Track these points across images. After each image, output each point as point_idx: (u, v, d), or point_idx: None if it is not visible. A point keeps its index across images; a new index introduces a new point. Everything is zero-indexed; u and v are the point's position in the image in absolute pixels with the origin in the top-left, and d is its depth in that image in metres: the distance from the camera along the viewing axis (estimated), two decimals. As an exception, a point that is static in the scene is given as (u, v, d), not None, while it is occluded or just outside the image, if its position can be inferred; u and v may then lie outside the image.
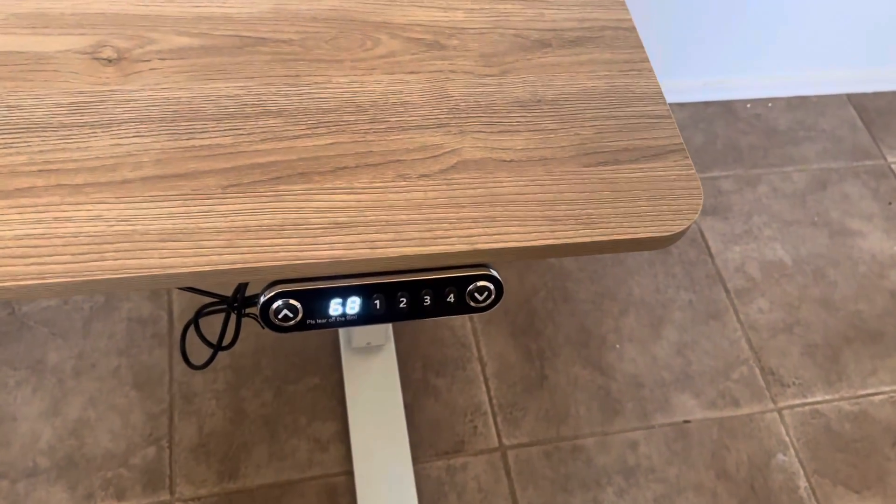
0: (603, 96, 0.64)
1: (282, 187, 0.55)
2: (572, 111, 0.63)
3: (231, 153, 0.56)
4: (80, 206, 0.52)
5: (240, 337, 0.75)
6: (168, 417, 1.14)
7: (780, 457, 1.21)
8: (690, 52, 1.55)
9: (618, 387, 1.25)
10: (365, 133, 0.59)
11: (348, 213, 0.55)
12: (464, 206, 0.56)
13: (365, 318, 0.55)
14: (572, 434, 1.20)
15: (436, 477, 1.14)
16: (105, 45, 0.61)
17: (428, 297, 0.55)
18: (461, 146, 0.59)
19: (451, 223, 0.55)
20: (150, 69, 0.59)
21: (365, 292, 0.54)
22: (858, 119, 1.67)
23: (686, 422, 1.23)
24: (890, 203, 1.53)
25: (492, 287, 0.56)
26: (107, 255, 0.51)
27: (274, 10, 0.66)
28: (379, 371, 1.19)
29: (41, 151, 0.55)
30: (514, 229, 0.55)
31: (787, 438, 1.23)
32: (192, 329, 0.68)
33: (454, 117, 0.61)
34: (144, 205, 0.53)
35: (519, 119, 0.61)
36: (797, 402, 1.27)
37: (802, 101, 1.70)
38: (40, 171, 0.54)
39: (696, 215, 0.58)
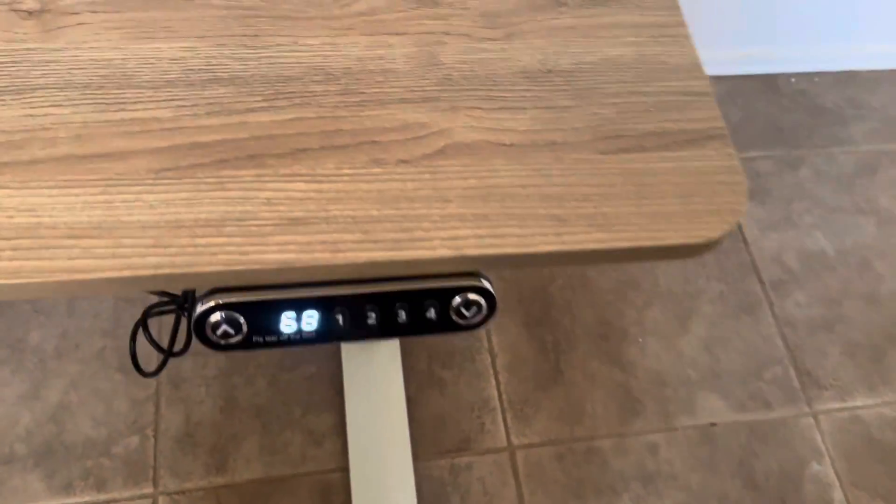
0: (628, 67, 0.52)
1: (227, 172, 0.44)
2: (590, 85, 0.51)
3: (168, 129, 0.46)
4: (-27, 192, 0.42)
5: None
6: (154, 404, 1.05)
7: (815, 466, 1.09)
8: (729, 19, 1.40)
9: (639, 384, 1.14)
10: (334, 107, 0.48)
11: (307, 207, 0.44)
12: (450, 201, 0.45)
13: (324, 335, 0.44)
14: (587, 435, 1.09)
15: (438, 477, 1.04)
16: (31, -5, 0.50)
17: (403, 312, 0.44)
18: (452, 126, 0.48)
19: (433, 222, 0.44)
20: (78, 24, 0.48)
21: (325, 305, 0.43)
22: (913, 97, 1.51)
23: (712, 425, 1.12)
24: (945, 190, 1.39)
25: (482, 301, 0.45)
26: (1, 253, 0.40)
27: (239, -43, 0.54)
28: (380, 361, 1.09)
29: (-62, 123, 0.44)
30: (511, 231, 0.44)
31: (822, 446, 1.11)
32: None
33: (445, 90, 0.49)
34: (55, 192, 0.43)
35: (524, 93, 0.50)
36: (835, 406, 1.15)
37: (852, 76, 1.54)
38: (-67, 146, 0.43)
39: (739, 218, 0.46)
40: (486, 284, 0.45)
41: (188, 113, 0.46)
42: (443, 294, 0.44)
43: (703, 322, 1.20)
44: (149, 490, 0.99)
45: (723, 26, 1.42)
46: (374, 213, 0.44)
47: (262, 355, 1.10)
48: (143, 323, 0.57)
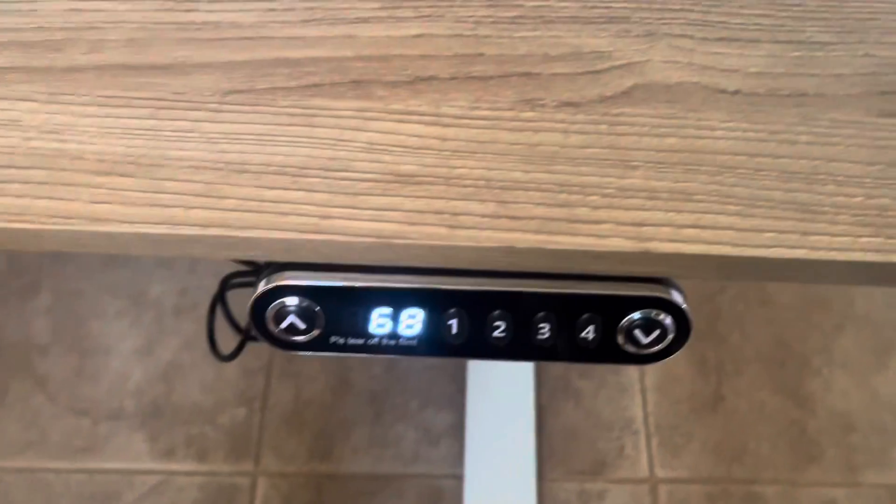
0: (926, -9, 0.34)
1: (317, 102, 0.31)
2: (864, 14, 0.33)
3: (249, 38, 0.33)
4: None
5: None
6: (265, 376, 0.96)
7: None
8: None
9: (818, 425, 0.93)
10: (476, 23, 0.33)
11: (422, 159, 0.29)
12: (635, 168, 0.29)
13: (429, 346, 0.30)
14: (748, 476, 0.90)
15: (564, 500, 0.89)
16: None
17: (546, 327, 0.29)
18: (646, 59, 0.32)
19: (606, 196, 0.28)
20: None
21: (433, 303, 0.29)
22: None
23: (909, 487, 0.89)
24: None
25: (669, 323, 0.29)
26: (8, 187, 0.29)
27: None
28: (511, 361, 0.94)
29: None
30: (727, 220, 0.28)
31: None
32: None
33: (640, 7, 0.33)
34: (90, 110, 0.31)
35: (760, 19, 0.33)
36: None
37: None
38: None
39: None
40: (678, 299, 0.29)
41: (278, 19, 0.33)
42: (611, 306, 0.29)
43: (907, 359, 0.97)
44: (249, 468, 0.90)
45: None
46: (519, 175, 0.29)
47: (382, 337, 0.98)
48: (220, 296, 0.46)
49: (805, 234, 0.28)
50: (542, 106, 0.31)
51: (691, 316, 0.29)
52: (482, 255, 0.28)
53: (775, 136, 0.30)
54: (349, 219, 0.28)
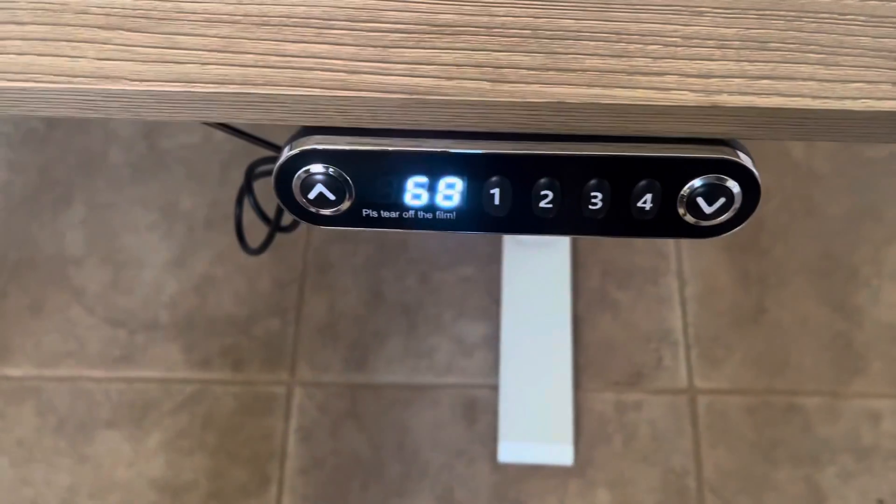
0: None
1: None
2: None
3: None
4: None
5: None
6: (298, 288, 0.95)
7: None
8: None
9: (865, 337, 0.90)
10: None
11: (460, 6, 0.26)
12: (702, 13, 0.26)
13: (469, 218, 0.27)
14: (789, 388, 0.88)
15: (600, 412, 0.87)
16: None
17: (597, 196, 0.26)
18: None
19: (668, 45, 0.25)
20: None
21: (473, 169, 0.26)
22: None
23: (958, 400, 0.86)
24: None
25: (736, 189, 0.26)
26: (8, 44, 0.26)
27: None
28: (547, 271, 0.92)
29: None
30: (808, 70, 0.24)
31: None
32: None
33: None
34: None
35: None
36: None
37: None
38: None
39: None
40: (746, 161, 0.26)
41: None
42: (672, 171, 0.25)
43: (962, 270, 0.93)
44: (285, 377, 0.90)
45: None
46: (569, 23, 0.26)
47: (414, 248, 0.96)
48: (247, 185, 0.43)
49: (898, 83, 0.24)
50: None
51: (761, 181, 0.26)
52: (528, 113, 0.25)
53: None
54: (379, 73, 0.25)
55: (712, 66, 0.25)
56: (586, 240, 0.95)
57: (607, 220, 0.27)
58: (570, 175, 0.26)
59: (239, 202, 0.44)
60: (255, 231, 0.58)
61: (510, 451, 0.84)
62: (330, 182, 0.27)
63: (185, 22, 0.27)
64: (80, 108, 0.27)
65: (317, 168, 0.27)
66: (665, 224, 0.27)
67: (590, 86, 0.25)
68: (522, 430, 0.86)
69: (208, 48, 0.26)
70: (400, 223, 0.27)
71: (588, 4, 0.26)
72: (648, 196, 0.26)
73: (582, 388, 0.88)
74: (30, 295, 0.95)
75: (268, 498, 0.85)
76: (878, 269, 0.93)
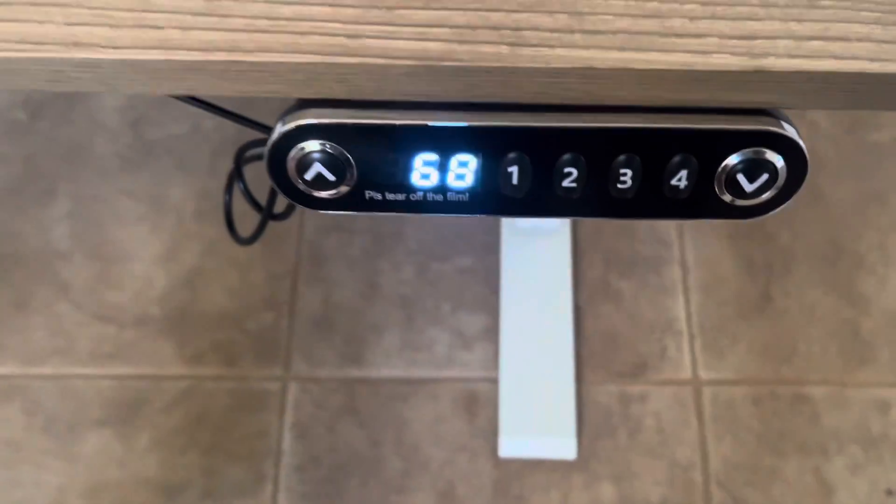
0: None
1: None
2: None
3: None
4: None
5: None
6: (292, 280, 0.92)
7: None
8: None
9: (872, 325, 0.88)
10: None
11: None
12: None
13: (485, 202, 0.24)
14: (796, 378, 0.86)
15: (604, 404, 0.85)
16: None
17: (627, 174, 0.24)
18: None
19: (707, 3, 0.22)
20: None
21: (490, 145, 0.24)
22: None
23: (967, 388, 0.84)
24: None
25: (780, 163, 0.23)
26: None
27: None
28: (547, 260, 0.90)
29: None
30: (859, 30, 0.22)
31: None
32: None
33: None
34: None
35: None
36: None
37: None
38: None
39: None
40: (791, 132, 0.23)
41: None
42: (710, 145, 0.23)
43: (970, 256, 0.91)
44: (279, 372, 0.88)
45: None
46: (596, -19, 0.23)
47: (411, 238, 0.93)
48: (236, 170, 0.40)
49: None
50: None
51: (808, 155, 0.23)
52: (552, 80, 0.22)
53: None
54: (384, 37, 0.22)
55: (756, 26, 0.22)
56: (587, 228, 0.92)
57: (636, 200, 0.24)
58: (597, 150, 0.23)
59: (228, 188, 0.41)
60: (247, 221, 0.55)
61: (512, 445, 0.82)
62: (329, 161, 0.24)
63: (166, -17, 0.24)
64: (48, 80, 0.24)
65: (314, 145, 0.24)
66: (700, 204, 0.24)
67: (621, 49, 0.22)
68: (524, 424, 0.83)
69: (192, 11, 0.23)
70: (407, 206, 0.25)
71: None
72: (683, 173, 0.23)
73: (584, 380, 0.86)
74: (15, 290, 0.92)
75: (263, 496, 0.82)
76: (885, 255, 0.91)
